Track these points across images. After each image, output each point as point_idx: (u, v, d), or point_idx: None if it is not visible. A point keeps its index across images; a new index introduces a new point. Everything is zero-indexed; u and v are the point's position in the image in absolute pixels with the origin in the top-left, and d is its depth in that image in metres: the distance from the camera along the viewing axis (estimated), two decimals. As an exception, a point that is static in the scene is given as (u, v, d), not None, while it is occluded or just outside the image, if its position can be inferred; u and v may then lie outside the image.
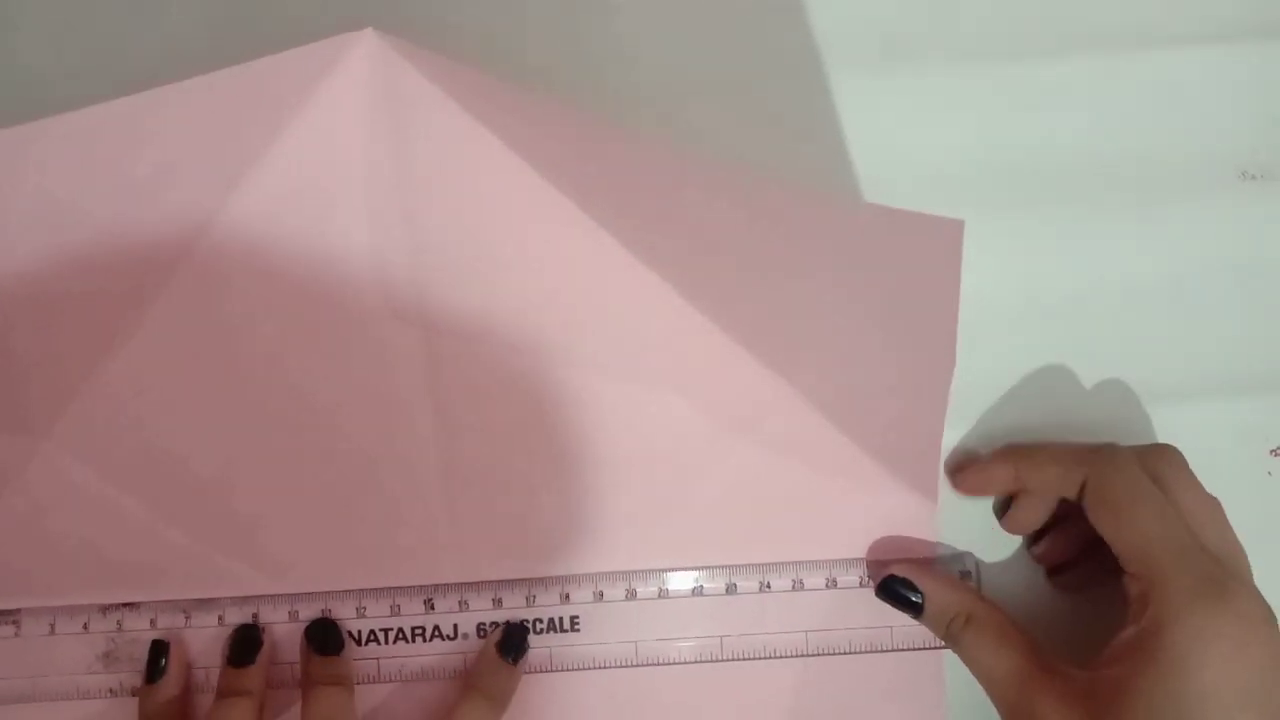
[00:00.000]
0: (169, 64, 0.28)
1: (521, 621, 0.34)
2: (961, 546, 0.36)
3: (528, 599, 0.35)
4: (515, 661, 0.34)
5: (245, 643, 0.33)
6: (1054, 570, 0.36)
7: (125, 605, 0.34)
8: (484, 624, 0.34)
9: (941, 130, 0.37)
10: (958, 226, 0.31)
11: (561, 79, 0.36)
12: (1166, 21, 0.38)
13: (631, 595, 0.35)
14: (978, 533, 0.36)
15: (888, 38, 0.37)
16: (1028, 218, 0.37)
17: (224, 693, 0.32)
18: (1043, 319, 0.37)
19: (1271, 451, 0.37)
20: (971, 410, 0.37)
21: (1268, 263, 0.38)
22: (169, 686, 0.33)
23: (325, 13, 0.35)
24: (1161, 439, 0.37)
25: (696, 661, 0.35)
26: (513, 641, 0.34)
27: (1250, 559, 0.37)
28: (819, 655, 0.35)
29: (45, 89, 0.35)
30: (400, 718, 0.34)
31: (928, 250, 0.32)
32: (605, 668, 0.35)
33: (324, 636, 0.34)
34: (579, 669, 0.35)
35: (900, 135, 0.37)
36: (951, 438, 0.37)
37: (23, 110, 0.28)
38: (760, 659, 0.35)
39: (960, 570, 0.36)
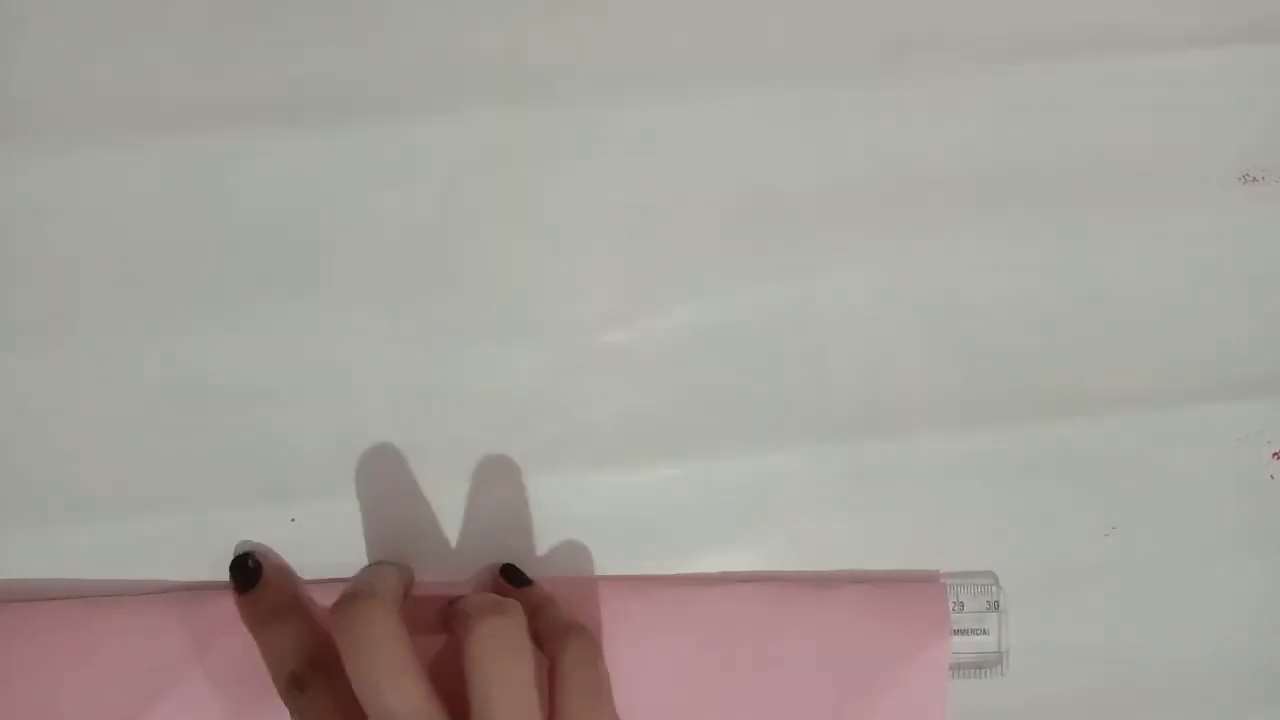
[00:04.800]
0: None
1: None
2: (983, 566, 0.37)
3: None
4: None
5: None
6: None
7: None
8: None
9: (942, 130, 0.37)
10: (940, 590, 0.35)
11: (559, 80, 0.36)
12: (1167, 23, 0.38)
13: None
14: (1000, 553, 0.37)
15: (888, 38, 0.37)
16: (1028, 219, 0.37)
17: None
18: (1043, 321, 0.37)
19: (1274, 455, 0.37)
20: (972, 411, 0.37)
21: (1269, 265, 0.38)
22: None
23: (327, 28, 0.36)
24: (1163, 442, 0.37)
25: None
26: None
27: (1252, 563, 0.38)
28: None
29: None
30: None
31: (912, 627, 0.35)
32: None
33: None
34: None
35: (900, 135, 0.37)
36: (951, 438, 0.37)
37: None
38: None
39: (988, 601, 0.36)
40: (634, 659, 0.35)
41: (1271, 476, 0.37)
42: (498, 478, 0.36)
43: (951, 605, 0.36)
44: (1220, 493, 0.37)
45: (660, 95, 0.36)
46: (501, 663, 0.29)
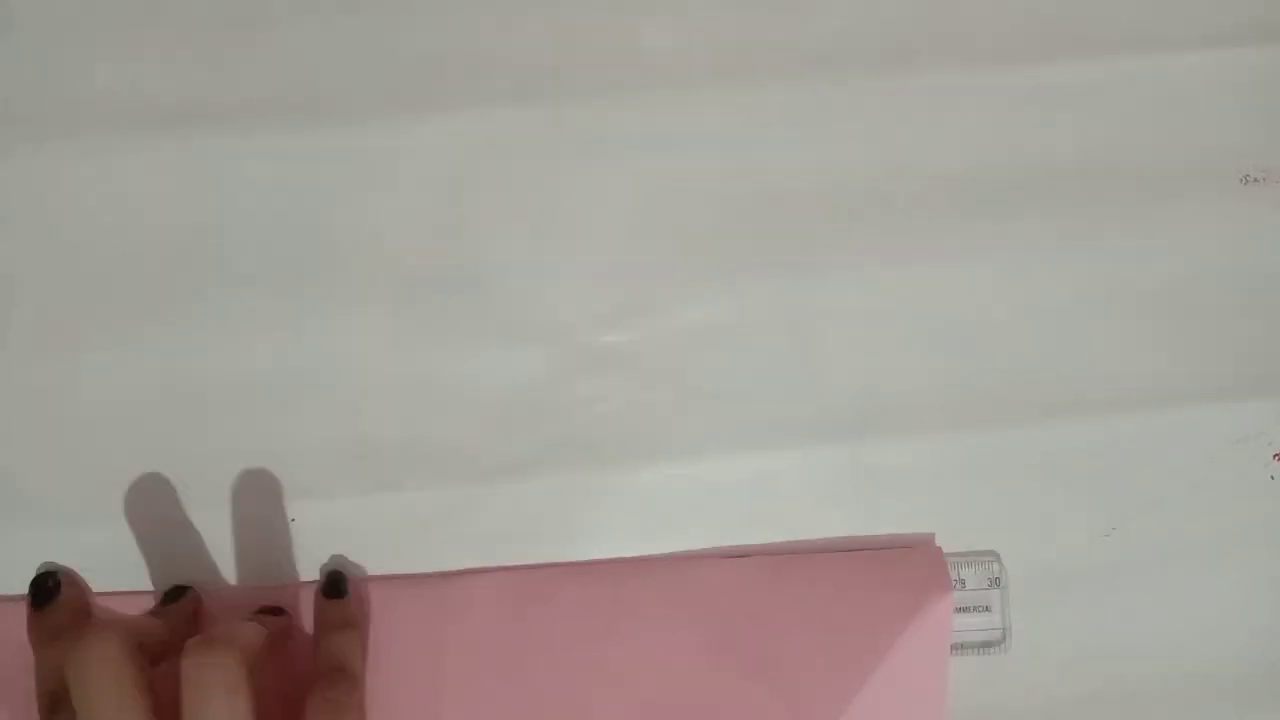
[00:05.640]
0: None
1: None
2: (985, 545, 0.37)
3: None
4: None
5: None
6: None
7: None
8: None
9: (942, 131, 0.37)
10: (937, 552, 0.35)
11: (559, 80, 0.36)
12: (1168, 24, 0.38)
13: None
14: (999, 553, 0.37)
15: (888, 38, 0.37)
16: (1029, 220, 0.37)
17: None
18: (1043, 321, 0.37)
19: (1275, 455, 0.37)
20: (972, 412, 0.37)
21: (1270, 266, 0.38)
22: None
23: (326, 28, 0.36)
24: (1164, 443, 0.37)
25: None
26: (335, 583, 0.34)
27: (1254, 564, 0.38)
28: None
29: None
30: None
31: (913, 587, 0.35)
32: None
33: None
34: None
35: (900, 136, 0.37)
36: (951, 439, 0.37)
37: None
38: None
39: (989, 578, 0.36)
40: (630, 639, 0.35)
41: (1272, 477, 0.37)
42: (497, 477, 0.36)
43: (953, 583, 0.36)
44: (1220, 493, 0.37)
45: (660, 95, 0.36)
46: (212, 701, 0.28)
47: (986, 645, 0.36)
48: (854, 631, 0.35)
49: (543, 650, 0.35)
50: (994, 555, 0.37)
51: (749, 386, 0.36)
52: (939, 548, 0.36)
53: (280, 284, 0.35)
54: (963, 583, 0.36)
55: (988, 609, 0.37)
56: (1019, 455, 0.37)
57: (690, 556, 0.36)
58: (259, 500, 0.35)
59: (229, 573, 0.35)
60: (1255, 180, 0.38)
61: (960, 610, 0.36)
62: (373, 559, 0.36)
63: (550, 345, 0.36)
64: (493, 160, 0.36)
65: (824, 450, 0.36)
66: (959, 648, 0.36)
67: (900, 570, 0.35)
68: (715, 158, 0.37)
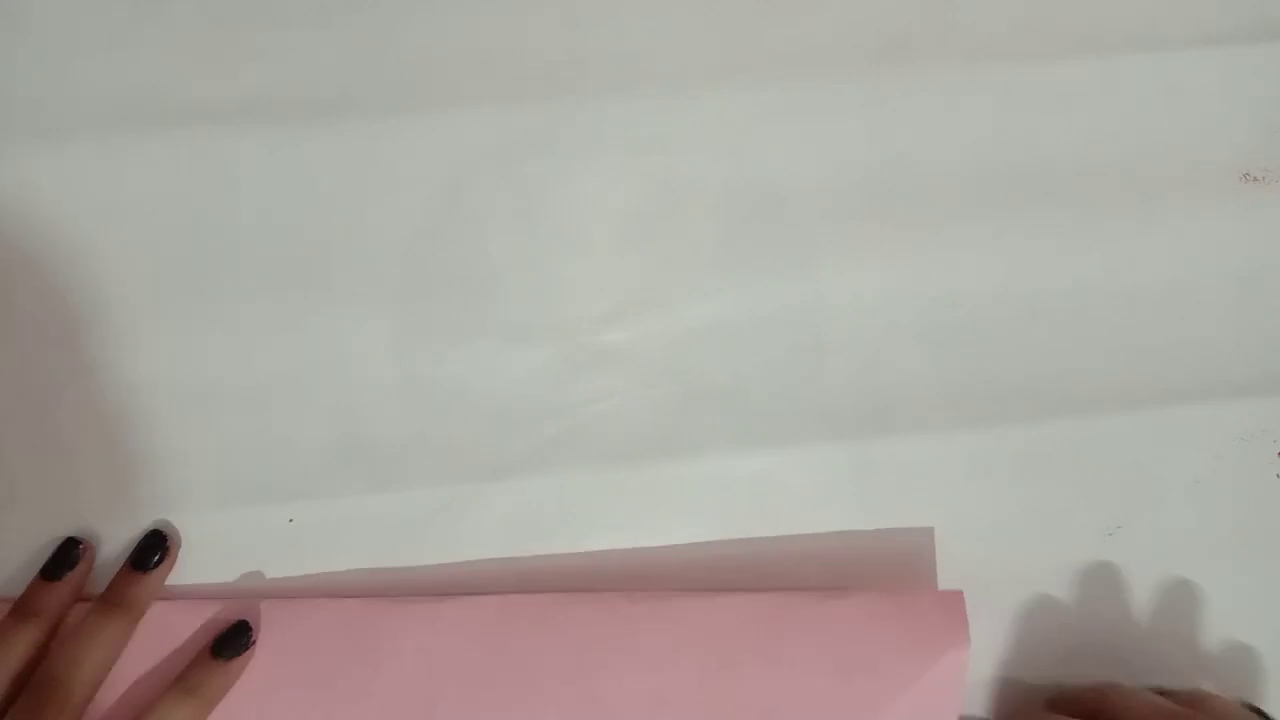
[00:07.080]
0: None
1: (242, 620, 0.34)
2: (985, 565, 0.36)
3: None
4: (229, 660, 0.33)
5: (60, 556, 0.34)
6: None
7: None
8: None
9: (941, 129, 0.37)
10: (957, 598, 0.34)
11: (559, 80, 0.36)
12: (1168, 23, 0.38)
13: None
14: (1002, 552, 0.37)
15: (887, 38, 0.37)
16: (1028, 218, 0.37)
17: (18, 611, 0.32)
18: (1044, 321, 0.37)
19: (1279, 453, 0.37)
20: (973, 411, 0.37)
21: (1270, 264, 0.38)
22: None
23: (326, 28, 0.36)
24: (1168, 441, 0.37)
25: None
26: (228, 642, 0.33)
27: (1258, 563, 0.37)
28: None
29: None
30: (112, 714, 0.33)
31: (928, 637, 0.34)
32: None
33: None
34: None
35: (900, 134, 0.37)
36: (952, 438, 0.37)
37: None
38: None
39: None
40: (625, 675, 0.34)
41: (1276, 475, 0.37)
42: (497, 477, 0.36)
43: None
44: (1224, 492, 0.37)
45: (660, 95, 0.37)
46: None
47: None
48: (863, 678, 0.34)
49: (533, 682, 0.34)
50: None
51: (749, 385, 0.36)
52: (959, 594, 0.34)
53: (280, 284, 0.35)
54: None
55: None
56: (1020, 454, 0.37)
57: (692, 589, 0.35)
58: (256, 500, 0.35)
59: (225, 573, 0.35)
60: (1255, 180, 0.38)
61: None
62: (373, 559, 0.35)
63: (550, 345, 0.36)
64: (492, 160, 0.36)
65: (824, 448, 0.36)
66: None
67: (915, 616, 0.34)
68: (715, 157, 0.37)
